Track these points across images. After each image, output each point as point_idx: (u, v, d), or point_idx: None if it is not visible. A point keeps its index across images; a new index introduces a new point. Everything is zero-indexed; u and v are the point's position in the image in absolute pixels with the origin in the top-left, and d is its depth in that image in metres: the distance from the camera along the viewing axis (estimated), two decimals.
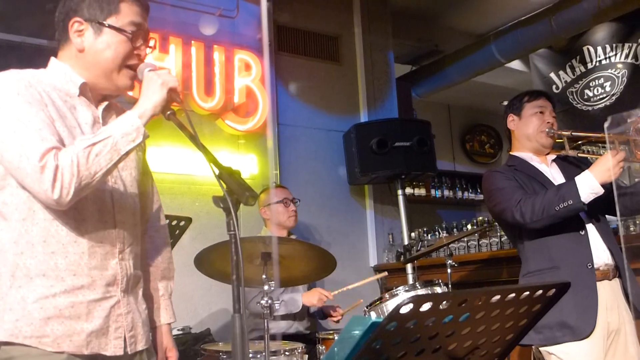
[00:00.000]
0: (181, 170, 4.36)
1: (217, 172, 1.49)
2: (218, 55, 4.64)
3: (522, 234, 2.64)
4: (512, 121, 2.87)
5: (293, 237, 4.01)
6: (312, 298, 3.71)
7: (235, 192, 1.44)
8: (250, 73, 4.75)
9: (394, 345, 1.15)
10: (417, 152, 4.86)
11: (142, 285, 1.85)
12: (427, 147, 4.91)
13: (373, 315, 2.57)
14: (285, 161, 4.94)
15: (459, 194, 7.13)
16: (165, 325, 1.97)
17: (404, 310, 1.05)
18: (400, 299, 2.21)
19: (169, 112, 1.66)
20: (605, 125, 2.26)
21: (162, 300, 1.98)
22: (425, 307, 1.07)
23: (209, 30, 4.64)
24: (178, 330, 3.90)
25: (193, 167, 4.36)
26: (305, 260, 2.89)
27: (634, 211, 2.84)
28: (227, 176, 1.47)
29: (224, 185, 1.46)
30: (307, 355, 2.88)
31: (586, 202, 2.44)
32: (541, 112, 2.80)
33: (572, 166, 2.80)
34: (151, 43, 1.81)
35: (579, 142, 2.75)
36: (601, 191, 2.44)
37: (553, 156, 2.84)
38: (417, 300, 1.05)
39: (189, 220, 3.02)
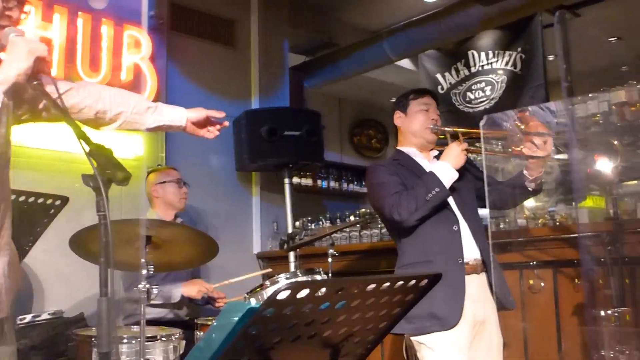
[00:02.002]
0: (60, 147, 4.15)
1: (86, 149, 1.43)
2: (106, 30, 4.45)
3: (400, 228, 2.72)
4: (398, 117, 2.94)
5: (179, 220, 3.94)
6: (191, 290, 3.66)
7: (106, 171, 1.39)
8: (139, 50, 4.58)
9: (270, 332, 1.15)
10: (306, 142, 4.89)
11: (9, 255, 1.76)
12: (316, 137, 4.95)
13: (253, 302, 2.57)
14: (173, 143, 4.83)
15: (345, 185, 7.23)
16: None
17: (282, 296, 1.06)
18: (280, 286, 2.23)
19: (35, 82, 1.57)
20: (481, 123, 2.42)
21: None
22: (303, 293, 1.09)
23: (98, 4, 4.42)
24: (49, 314, 3.72)
25: (73, 144, 4.14)
26: (188, 245, 2.85)
27: (501, 206, 3.02)
28: (98, 154, 1.41)
29: (94, 163, 1.40)
30: (184, 342, 2.83)
31: (447, 186, 2.64)
32: (426, 110, 2.88)
33: None
34: (27, 9, 1.70)
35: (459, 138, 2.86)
36: (456, 175, 2.65)
37: (436, 152, 2.94)
38: (295, 287, 1.06)
39: (65, 200, 2.88)
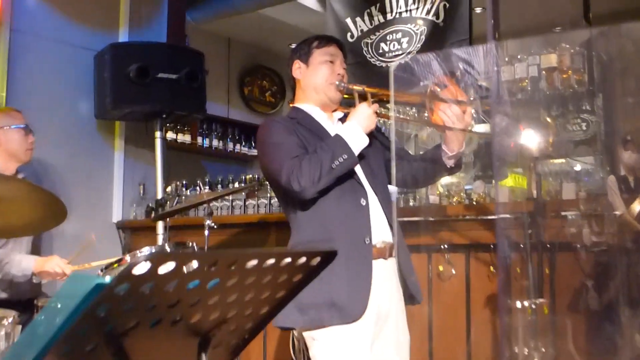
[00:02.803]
0: None
1: None
2: None
3: (297, 199, 2.69)
4: (298, 68, 2.92)
5: (21, 175, 3.81)
6: (47, 265, 3.53)
7: None
8: None
9: (124, 313, 1.11)
10: (184, 88, 4.84)
11: None
12: (197, 83, 4.89)
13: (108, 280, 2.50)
14: (17, 80, 4.67)
15: (230, 145, 7.18)
16: None
17: (139, 270, 1.02)
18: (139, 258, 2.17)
19: None
20: (391, 69, 2.45)
21: None
22: (167, 267, 1.05)
23: None
24: None
25: None
26: (29, 206, 2.73)
27: (413, 183, 3.08)
28: None
29: None
30: (19, 327, 2.74)
31: (356, 153, 2.66)
32: (331, 62, 2.87)
33: None
34: None
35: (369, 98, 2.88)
36: (367, 141, 2.68)
37: (340, 114, 2.94)
38: (156, 258, 1.02)
39: None
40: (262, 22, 7.33)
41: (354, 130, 2.66)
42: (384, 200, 2.78)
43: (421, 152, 3.18)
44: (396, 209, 2.88)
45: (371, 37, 5.41)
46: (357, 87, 2.82)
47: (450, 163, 2.81)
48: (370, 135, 2.73)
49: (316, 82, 2.88)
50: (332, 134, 2.75)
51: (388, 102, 2.75)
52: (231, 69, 7.99)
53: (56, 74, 4.94)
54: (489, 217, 3.66)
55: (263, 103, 8.36)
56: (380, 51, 5.35)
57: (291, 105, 2.98)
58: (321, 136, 2.77)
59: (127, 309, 1.10)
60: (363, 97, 2.80)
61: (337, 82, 2.85)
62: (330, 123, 2.89)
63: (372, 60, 5.36)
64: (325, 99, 2.88)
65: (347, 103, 2.93)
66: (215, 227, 3.63)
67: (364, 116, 2.69)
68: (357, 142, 2.65)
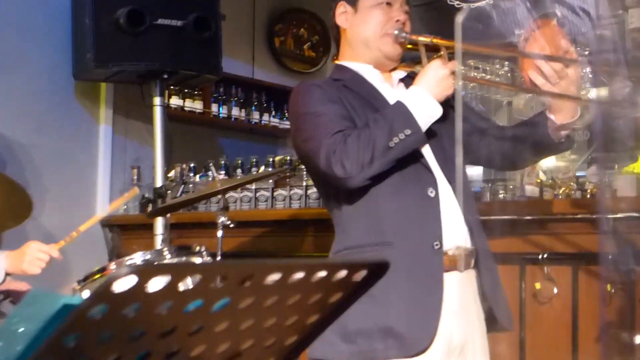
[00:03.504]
0: None
1: None
2: None
3: (342, 189, 2.74)
4: (343, 13, 2.95)
5: None
6: (24, 258, 3.56)
7: None
8: None
9: (101, 344, 1.13)
10: (193, 40, 4.87)
11: None
12: (210, 32, 4.92)
13: (79, 300, 2.54)
14: None
15: (255, 115, 7.20)
16: None
17: (121, 286, 1.04)
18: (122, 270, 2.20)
19: None
20: (458, 19, 2.44)
21: None
22: (158, 283, 1.07)
23: None
24: None
25: None
26: None
27: (503, 165, 3.08)
28: None
29: None
30: None
31: (424, 129, 2.69)
32: (388, 4, 2.89)
33: None
34: None
35: (441, 53, 2.87)
36: (440, 111, 2.70)
37: (402, 73, 2.97)
38: (144, 272, 1.03)
39: None
40: None
41: (422, 97, 2.67)
42: (461, 192, 2.79)
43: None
44: (478, 204, 2.88)
45: None
46: (424, 39, 2.84)
47: (558, 137, 2.82)
48: (446, 104, 2.75)
49: (367, 32, 2.90)
50: (391, 101, 2.76)
51: (469, 57, 2.77)
52: (257, 13, 7.98)
53: (21, 22, 5.01)
54: (608, 217, 3.62)
55: (300, 59, 8.34)
56: None
57: (335, 62, 3.00)
58: (376, 104, 2.81)
59: (105, 338, 1.12)
60: (432, 50, 2.81)
61: (395, 32, 2.87)
62: (388, 86, 2.91)
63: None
64: (380, 55, 2.91)
65: (412, 58, 2.94)
66: (232, 225, 3.67)
67: (436, 79, 2.69)
68: (426, 112, 2.66)
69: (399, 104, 2.67)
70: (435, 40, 2.81)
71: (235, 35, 7.33)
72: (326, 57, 8.44)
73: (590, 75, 3.58)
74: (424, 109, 2.66)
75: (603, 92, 3.54)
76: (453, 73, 2.70)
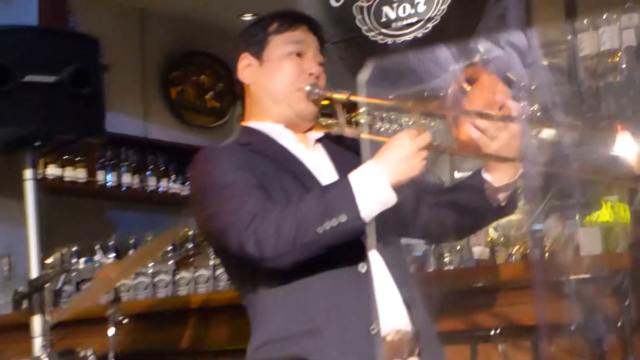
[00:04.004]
0: None
1: None
2: None
3: (257, 273, 2.69)
4: (246, 67, 2.93)
5: None
6: None
7: None
8: None
9: None
10: (69, 97, 4.79)
11: None
12: (90, 88, 4.85)
13: None
14: None
15: (152, 182, 7.22)
16: None
17: None
18: None
19: None
20: (360, 78, 2.41)
21: None
22: None
23: None
24: None
25: None
26: None
27: (439, 236, 3.06)
28: None
29: None
30: None
31: (367, 219, 2.56)
32: (298, 54, 2.89)
33: (350, 154, 2.88)
34: None
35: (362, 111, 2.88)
36: (393, 200, 2.58)
37: (319, 134, 2.95)
38: None
39: None
40: None
41: (374, 177, 2.57)
42: (396, 263, 2.79)
43: (455, 181, 3.21)
44: (419, 274, 2.87)
45: None
46: (340, 95, 2.81)
47: (497, 200, 2.79)
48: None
49: (275, 88, 2.89)
50: (310, 165, 2.78)
51: (391, 111, 2.77)
52: (148, 59, 8.01)
53: None
54: (570, 278, 3.64)
55: (202, 111, 8.37)
56: (383, 20, 5.38)
57: (242, 124, 2.97)
58: (292, 169, 2.78)
59: None
60: (350, 108, 2.82)
61: (307, 88, 2.85)
62: (303, 148, 2.87)
63: (371, 34, 5.40)
64: (292, 113, 2.88)
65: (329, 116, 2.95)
66: (125, 320, 3.59)
67: (398, 156, 2.59)
68: (374, 197, 2.57)
69: (342, 182, 2.60)
70: (353, 97, 2.78)
71: (122, 87, 7.33)
72: (234, 107, 8.44)
73: (538, 114, 3.61)
74: (373, 193, 2.56)
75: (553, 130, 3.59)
76: (424, 149, 2.58)
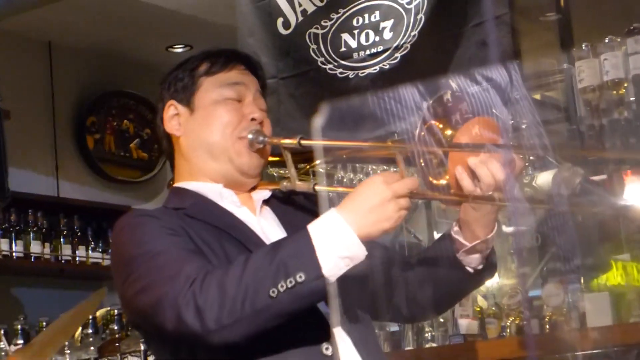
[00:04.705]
0: None
1: None
2: None
3: (200, 356, 2.67)
4: (174, 117, 2.95)
5: None
6: None
7: None
8: None
9: None
10: None
11: None
12: None
13: None
14: None
15: (67, 250, 7.20)
16: None
17: None
18: None
19: None
20: (317, 124, 2.42)
21: None
22: None
23: None
24: None
25: None
26: None
27: (410, 316, 3.08)
28: None
29: None
30: None
31: (332, 279, 2.50)
32: (237, 99, 2.91)
33: (305, 216, 2.85)
34: None
35: (317, 162, 2.91)
36: (362, 254, 2.52)
37: (265, 193, 2.96)
38: None
39: None
40: (115, 5, 7.41)
41: (339, 228, 2.52)
42: (366, 342, 2.79)
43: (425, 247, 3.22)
44: (394, 354, 2.87)
45: (323, 23, 5.47)
46: (289, 141, 2.83)
47: (473, 264, 2.81)
48: None
49: (211, 138, 2.89)
50: (258, 231, 2.79)
51: (353, 161, 2.79)
52: (59, 103, 7.96)
53: None
54: (577, 354, 3.70)
55: (126, 163, 8.33)
56: (343, 49, 5.40)
57: (172, 186, 3.01)
58: (237, 236, 2.76)
59: None
60: (301, 158, 2.86)
61: (250, 136, 2.86)
62: (246, 211, 2.90)
63: (327, 67, 5.41)
64: (232, 168, 2.88)
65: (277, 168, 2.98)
66: None
67: (370, 203, 2.52)
68: (338, 251, 2.51)
69: (299, 235, 2.55)
70: (302, 141, 2.80)
71: (28, 138, 7.29)
72: (164, 158, 8.40)
73: (530, 158, 3.67)
74: (337, 246, 2.50)
75: (547, 175, 3.64)
76: (403, 197, 2.52)
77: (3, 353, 4.86)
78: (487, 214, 2.72)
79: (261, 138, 2.86)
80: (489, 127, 2.64)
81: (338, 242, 2.50)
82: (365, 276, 2.80)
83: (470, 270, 2.81)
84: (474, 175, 2.61)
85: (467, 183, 2.61)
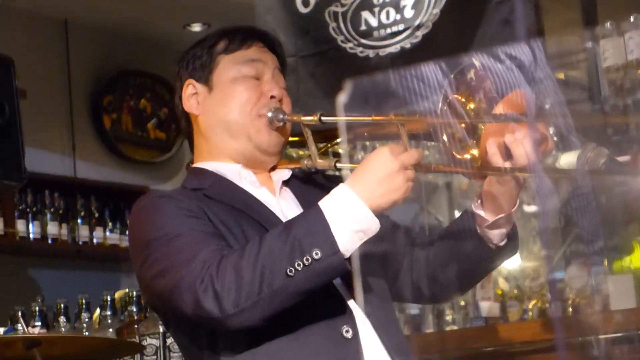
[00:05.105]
0: None
1: None
2: None
3: (218, 339, 2.67)
4: (193, 96, 2.92)
5: None
6: None
7: None
8: None
9: None
10: None
11: None
12: (3, 119, 4.86)
13: None
14: None
15: (84, 232, 7.17)
16: None
17: None
18: None
19: None
20: (340, 110, 2.41)
21: None
22: None
23: None
24: None
25: None
26: None
27: (425, 295, 3.04)
28: None
29: None
30: None
31: (347, 254, 2.50)
32: (255, 76, 2.89)
33: (324, 195, 2.80)
34: None
35: (338, 140, 2.88)
36: (376, 227, 2.53)
37: (286, 173, 2.94)
38: None
39: None
40: None
41: (351, 202, 2.53)
42: (387, 325, 2.77)
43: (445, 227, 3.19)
44: (414, 336, 2.85)
45: (343, 1, 5.46)
46: (308, 118, 2.80)
47: (494, 240, 2.79)
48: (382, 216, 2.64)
49: (229, 116, 2.86)
50: (276, 211, 2.76)
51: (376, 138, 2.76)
52: (75, 83, 7.95)
53: None
54: (599, 338, 3.68)
55: (143, 143, 8.30)
56: (363, 28, 5.38)
57: (191, 167, 2.97)
58: (257, 218, 2.74)
59: None
60: (324, 136, 2.83)
61: (269, 114, 2.82)
62: (266, 192, 2.87)
63: (348, 46, 5.39)
64: (251, 147, 2.84)
65: (298, 146, 2.96)
66: None
67: (379, 175, 2.52)
68: (352, 225, 2.52)
69: (312, 212, 2.55)
70: (323, 117, 2.77)
71: (45, 118, 7.29)
72: (182, 138, 8.33)
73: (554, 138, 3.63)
74: (351, 220, 2.51)
75: (571, 157, 3.61)
76: (408, 168, 2.51)
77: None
78: (511, 188, 2.70)
79: (281, 116, 2.83)
80: (524, 104, 2.64)
81: (351, 217, 2.51)
82: (386, 256, 2.81)
83: (492, 246, 2.79)
84: (507, 151, 2.60)
85: (496, 159, 2.61)
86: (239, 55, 2.91)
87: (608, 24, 4.47)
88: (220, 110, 2.90)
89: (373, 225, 2.52)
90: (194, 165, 2.97)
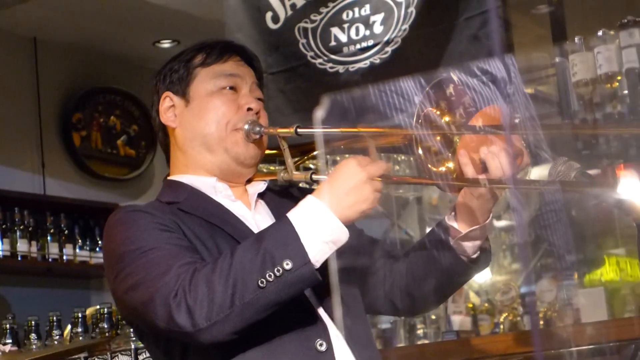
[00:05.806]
0: None
1: None
2: None
3: (193, 351, 2.66)
4: (170, 108, 2.93)
5: None
6: None
7: None
8: None
9: None
10: None
11: None
12: None
13: None
14: None
15: (54, 249, 7.12)
16: None
17: None
18: None
19: None
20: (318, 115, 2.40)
21: None
22: None
23: None
24: None
25: None
26: None
27: (400, 307, 3.04)
28: None
29: None
30: None
31: (317, 264, 2.49)
32: (232, 88, 2.90)
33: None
34: None
35: (314, 153, 2.88)
36: (345, 237, 2.53)
37: (261, 186, 2.94)
38: None
39: None
40: (98, 0, 7.37)
41: (319, 212, 2.54)
42: (360, 339, 2.77)
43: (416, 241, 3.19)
44: (387, 351, 2.83)
45: (313, 17, 5.46)
46: (284, 130, 2.79)
47: (467, 252, 2.80)
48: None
49: (207, 129, 2.85)
50: (251, 226, 2.76)
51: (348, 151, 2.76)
52: (44, 100, 7.92)
53: None
54: (572, 350, 3.69)
55: (113, 160, 8.25)
56: (333, 44, 5.38)
57: (167, 179, 2.96)
58: (231, 232, 2.74)
59: None
60: (300, 149, 2.83)
61: (246, 126, 2.82)
62: (241, 205, 2.89)
63: (317, 62, 5.39)
64: (228, 160, 2.84)
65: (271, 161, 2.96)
66: None
67: (347, 185, 2.53)
68: (322, 236, 2.52)
69: (281, 223, 2.55)
70: (300, 129, 2.76)
71: (14, 136, 7.24)
72: (152, 155, 8.32)
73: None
74: (320, 230, 2.51)
75: (545, 170, 3.63)
76: (376, 179, 2.53)
77: None
78: (486, 201, 2.71)
79: (257, 128, 2.84)
80: (499, 118, 2.66)
81: (320, 227, 2.51)
82: (360, 269, 2.81)
83: (465, 258, 2.80)
84: (482, 164, 2.62)
85: (470, 171, 2.61)
86: (216, 68, 2.91)
87: (577, 39, 4.49)
88: (197, 123, 2.89)
89: (343, 236, 2.52)
90: (170, 178, 2.95)
